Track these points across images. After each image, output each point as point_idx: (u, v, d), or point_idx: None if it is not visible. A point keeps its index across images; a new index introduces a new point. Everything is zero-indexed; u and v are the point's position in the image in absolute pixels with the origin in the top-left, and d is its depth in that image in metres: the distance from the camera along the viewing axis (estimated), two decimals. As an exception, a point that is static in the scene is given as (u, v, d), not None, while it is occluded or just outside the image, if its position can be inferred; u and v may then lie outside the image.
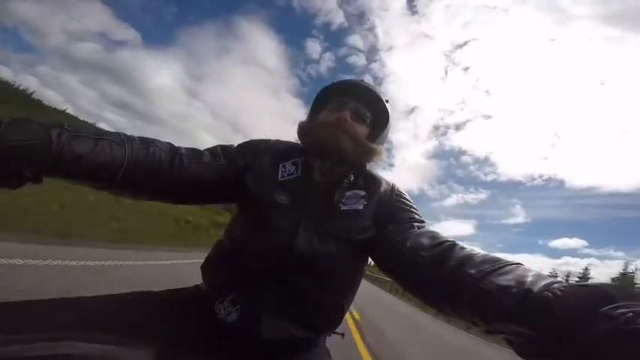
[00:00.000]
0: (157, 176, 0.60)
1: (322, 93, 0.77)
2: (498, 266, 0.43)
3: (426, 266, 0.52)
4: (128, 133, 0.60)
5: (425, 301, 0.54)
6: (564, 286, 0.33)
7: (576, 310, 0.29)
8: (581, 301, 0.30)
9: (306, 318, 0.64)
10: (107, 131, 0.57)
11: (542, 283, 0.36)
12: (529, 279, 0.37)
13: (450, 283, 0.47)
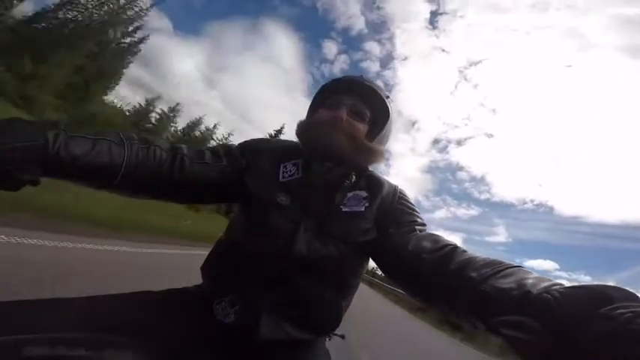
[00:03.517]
0: (157, 176, 0.60)
1: (321, 91, 0.75)
2: (499, 269, 0.43)
3: (428, 270, 0.51)
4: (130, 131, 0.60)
5: (426, 304, 0.54)
6: (563, 288, 0.34)
7: (576, 311, 0.30)
8: (580, 301, 0.30)
9: (304, 319, 0.63)
10: (106, 131, 0.57)
11: (542, 285, 0.36)
12: (529, 281, 0.37)
13: (452, 286, 0.47)
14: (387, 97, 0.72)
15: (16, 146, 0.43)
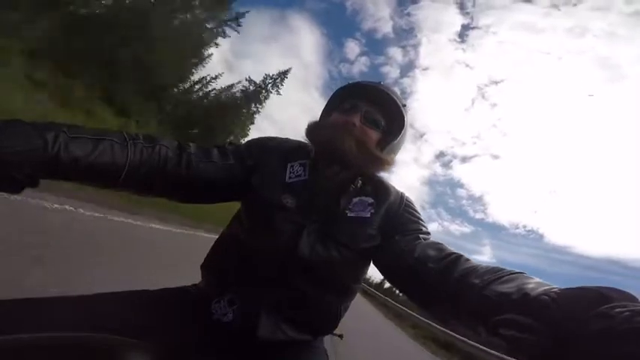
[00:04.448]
0: (162, 176, 0.59)
1: (337, 93, 0.74)
2: (500, 275, 0.43)
3: (432, 278, 0.52)
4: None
5: (429, 311, 0.55)
6: (561, 289, 0.34)
7: (574, 310, 0.30)
8: (578, 301, 0.30)
9: (303, 320, 0.64)
10: (110, 131, 0.56)
11: (542, 288, 0.36)
12: (530, 285, 0.38)
13: (455, 294, 0.47)
14: (404, 106, 0.71)
15: (15, 149, 0.43)
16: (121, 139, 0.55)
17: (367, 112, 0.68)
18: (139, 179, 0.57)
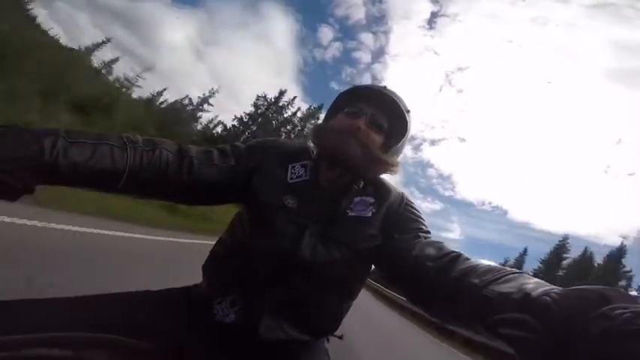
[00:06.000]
0: (163, 179, 0.59)
1: (341, 96, 0.75)
2: (500, 275, 0.43)
3: (431, 277, 0.51)
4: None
5: (428, 312, 0.54)
6: (562, 290, 0.34)
7: (575, 311, 0.30)
8: (579, 302, 0.30)
9: (305, 321, 0.64)
10: (109, 134, 0.55)
11: (542, 289, 0.36)
12: (530, 286, 0.38)
13: (453, 293, 0.47)
14: (408, 111, 0.71)
15: (12, 156, 0.42)
16: (120, 143, 0.54)
17: (372, 116, 0.68)
18: (140, 183, 0.57)
